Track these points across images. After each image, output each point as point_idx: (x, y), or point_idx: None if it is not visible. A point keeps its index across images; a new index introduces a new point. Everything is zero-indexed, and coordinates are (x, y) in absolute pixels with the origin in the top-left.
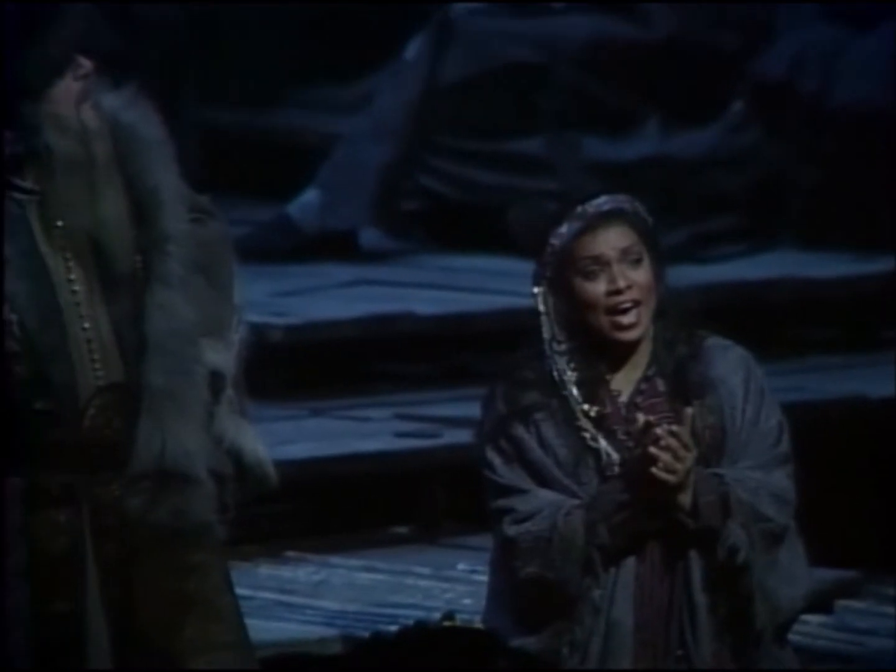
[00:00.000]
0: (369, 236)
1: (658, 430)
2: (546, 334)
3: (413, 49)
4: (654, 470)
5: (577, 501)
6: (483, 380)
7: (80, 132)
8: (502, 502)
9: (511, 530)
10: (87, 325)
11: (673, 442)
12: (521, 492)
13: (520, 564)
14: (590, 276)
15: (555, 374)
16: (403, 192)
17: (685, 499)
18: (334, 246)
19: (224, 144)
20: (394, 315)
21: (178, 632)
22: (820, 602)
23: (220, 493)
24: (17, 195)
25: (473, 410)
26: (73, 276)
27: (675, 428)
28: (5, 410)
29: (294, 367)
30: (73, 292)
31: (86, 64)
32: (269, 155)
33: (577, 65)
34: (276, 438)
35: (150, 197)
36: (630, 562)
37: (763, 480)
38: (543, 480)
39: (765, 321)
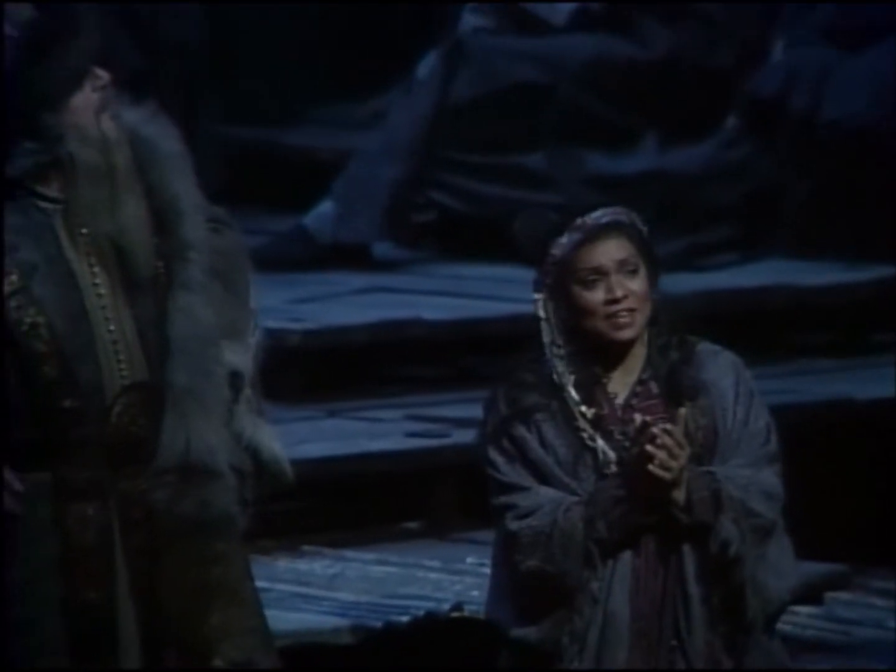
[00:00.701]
0: (381, 246)
1: (654, 430)
2: (546, 338)
3: (424, 69)
4: (650, 467)
5: (576, 498)
6: (489, 382)
7: (101, 141)
8: (505, 499)
9: (513, 525)
10: (112, 327)
11: (668, 440)
12: (522, 489)
13: (521, 558)
14: (589, 285)
15: (554, 376)
16: (414, 205)
17: (679, 495)
18: (348, 256)
19: (244, 159)
20: (405, 321)
21: (203, 618)
22: (810, 594)
23: (240, 488)
24: (43, 204)
25: (480, 411)
26: (98, 281)
27: (669, 427)
28: (6, 410)
29: (310, 370)
30: (99, 296)
31: (103, 75)
32: (286, 169)
33: (579, 83)
34: (294, 438)
35: (170, 207)
36: (626, 555)
37: (753, 478)
38: (544, 478)
39: (760, 326)
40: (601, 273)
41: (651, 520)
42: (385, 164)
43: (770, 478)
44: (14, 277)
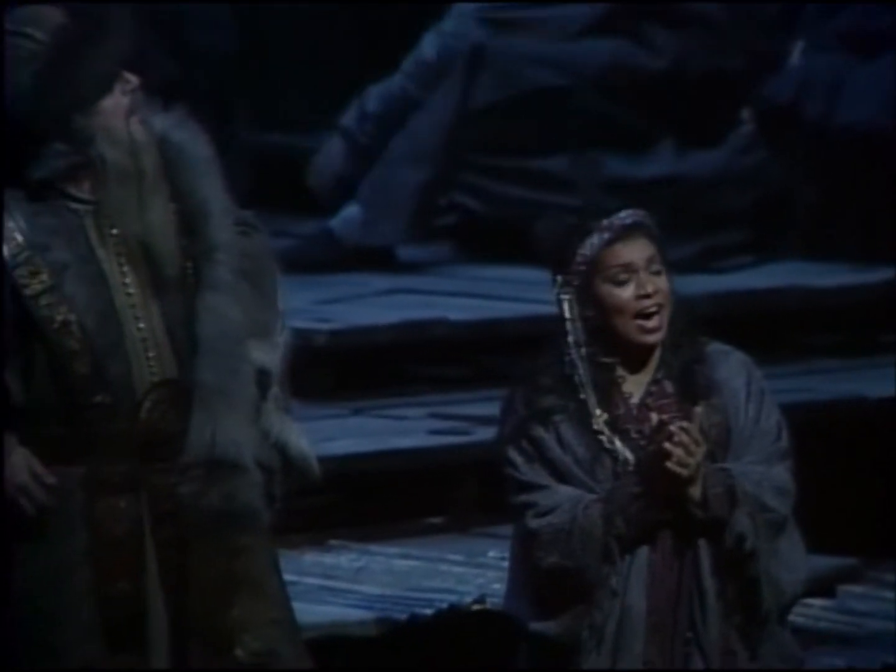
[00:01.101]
0: (406, 249)
1: (671, 428)
2: (571, 338)
3: (447, 75)
4: (668, 464)
5: (594, 496)
6: (510, 381)
7: (130, 144)
8: (524, 497)
9: (533, 523)
10: (142, 325)
11: (685, 438)
12: (541, 487)
13: (542, 555)
14: (620, 283)
15: (576, 378)
16: (438, 208)
17: (695, 491)
18: (373, 258)
19: (273, 164)
20: (428, 321)
21: (227, 609)
22: (823, 587)
23: (268, 484)
24: (74, 205)
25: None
26: (127, 280)
27: (686, 424)
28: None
29: (336, 369)
30: (129, 295)
31: (132, 79)
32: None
33: (596, 88)
34: (321, 436)
35: (198, 209)
36: (643, 550)
37: (765, 474)
38: (562, 477)
39: (772, 327)
40: (631, 270)
41: (667, 516)
42: (409, 169)
43: (782, 474)
44: (45, 276)
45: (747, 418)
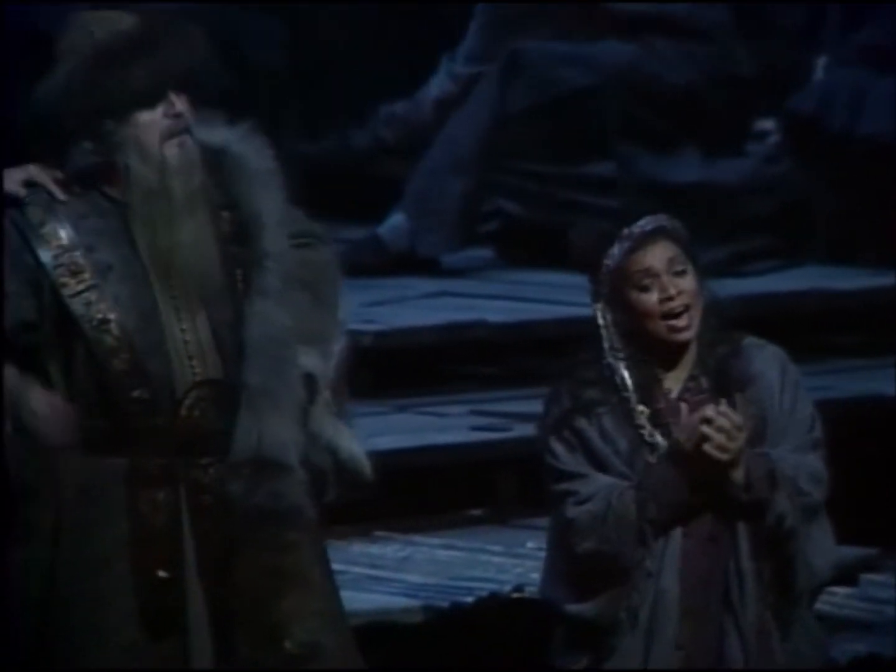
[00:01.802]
0: (449, 255)
1: (709, 412)
2: (606, 344)
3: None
4: (706, 447)
5: (628, 483)
6: (548, 380)
7: (160, 164)
8: (565, 486)
9: (571, 512)
10: (185, 326)
11: (725, 422)
12: (581, 476)
13: (578, 540)
14: (644, 288)
15: (616, 378)
16: (481, 215)
17: (739, 475)
18: (418, 263)
19: (322, 171)
20: (469, 323)
21: (275, 602)
22: (847, 576)
23: (319, 483)
24: (106, 204)
25: (539, 407)
26: (173, 283)
27: (726, 409)
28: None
29: (381, 368)
30: (173, 297)
31: (178, 105)
32: (362, 181)
33: (625, 89)
34: (366, 432)
35: (252, 220)
36: (676, 534)
37: (800, 461)
38: (601, 467)
39: (795, 328)
40: (652, 275)
41: (699, 500)
42: (450, 178)
43: (816, 462)
44: (87, 276)
45: (782, 409)
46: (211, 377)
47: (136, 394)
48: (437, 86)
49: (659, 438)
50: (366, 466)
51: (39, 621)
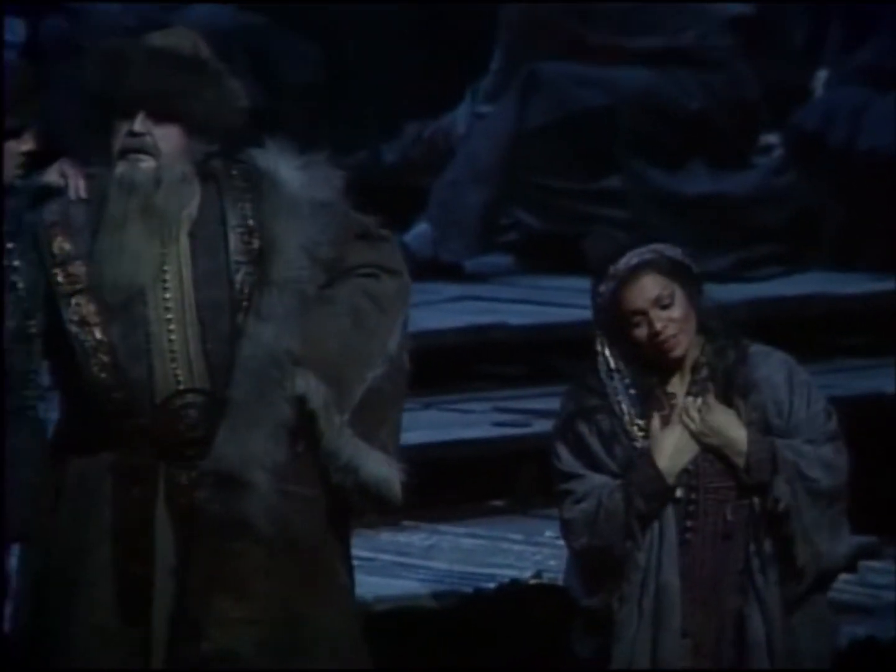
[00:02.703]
0: (472, 261)
1: (684, 403)
2: (602, 368)
3: (502, 99)
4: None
5: (617, 482)
6: (565, 379)
7: (111, 174)
8: (564, 486)
9: (567, 513)
10: (174, 337)
11: (692, 418)
12: (578, 476)
13: (574, 537)
14: (634, 325)
15: (612, 402)
16: (501, 227)
17: (741, 461)
18: (443, 270)
19: (355, 184)
20: (491, 325)
21: (204, 604)
22: (847, 563)
23: (341, 500)
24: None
25: (557, 404)
26: (168, 296)
27: (696, 407)
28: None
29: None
30: (167, 308)
31: (138, 127)
32: (391, 192)
33: (636, 108)
34: None
35: (269, 244)
36: (672, 532)
37: (809, 450)
38: (598, 468)
39: (801, 330)
40: (641, 314)
41: (677, 493)
42: (471, 189)
43: (829, 452)
44: (82, 279)
45: (792, 408)
46: (196, 386)
47: (114, 395)
48: (462, 121)
49: (647, 445)
50: (391, 488)
51: (33, 597)
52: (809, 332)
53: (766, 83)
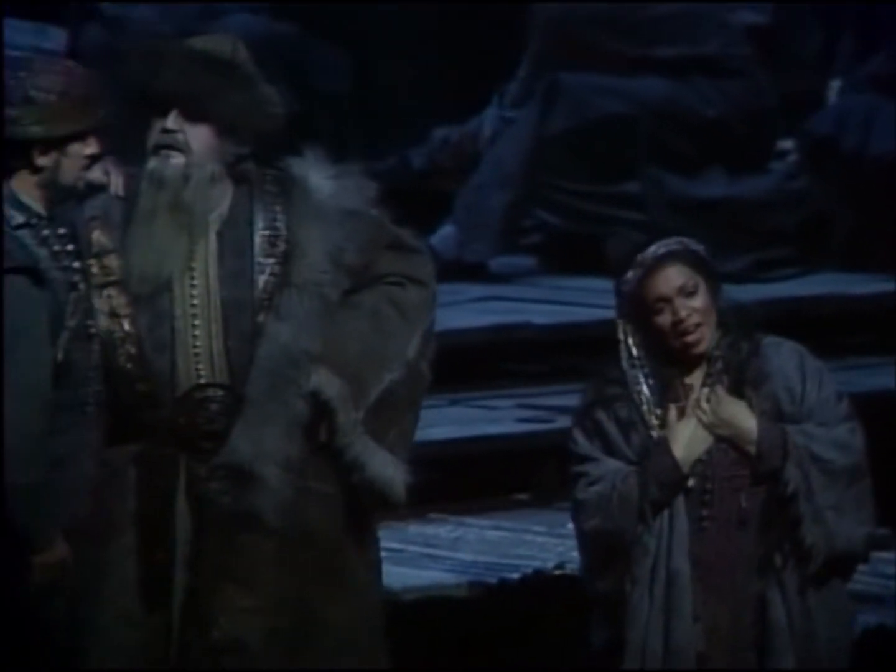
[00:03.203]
0: (496, 262)
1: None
2: (624, 356)
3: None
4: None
5: (632, 468)
6: (586, 376)
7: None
8: (579, 468)
9: (581, 493)
10: (198, 332)
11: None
12: (593, 459)
13: (584, 518)
14: (658, 312)
15: (633, 386)
16: (524, 229)
17: (752, 448)
18: (468, 270)
19: (384, 188)
20: (515, 324)
21: (213, 593)
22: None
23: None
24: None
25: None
26: (195, 293)
27: (709, 400)
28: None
29: (436, 366)
30: (193, 305)
31: (171, 124)
32: (418, 196)
33: (655, 117)
34: (422, 423)
35: (293, 248)
36: (682, 520)
37: (821, 432)
38: (613, 453)
39: (813, 329)
40: (665, 300)
41: (693, 483)
42: (495, 192)
43: (842, 433)
44: (116, 272)
45: (805, 394)
46: (216, 381)
47: (138, 386)
48: (489, 125)
49: (664, 434)
50: (393, 488)
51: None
52: (821, 331)
53: (781, 90)
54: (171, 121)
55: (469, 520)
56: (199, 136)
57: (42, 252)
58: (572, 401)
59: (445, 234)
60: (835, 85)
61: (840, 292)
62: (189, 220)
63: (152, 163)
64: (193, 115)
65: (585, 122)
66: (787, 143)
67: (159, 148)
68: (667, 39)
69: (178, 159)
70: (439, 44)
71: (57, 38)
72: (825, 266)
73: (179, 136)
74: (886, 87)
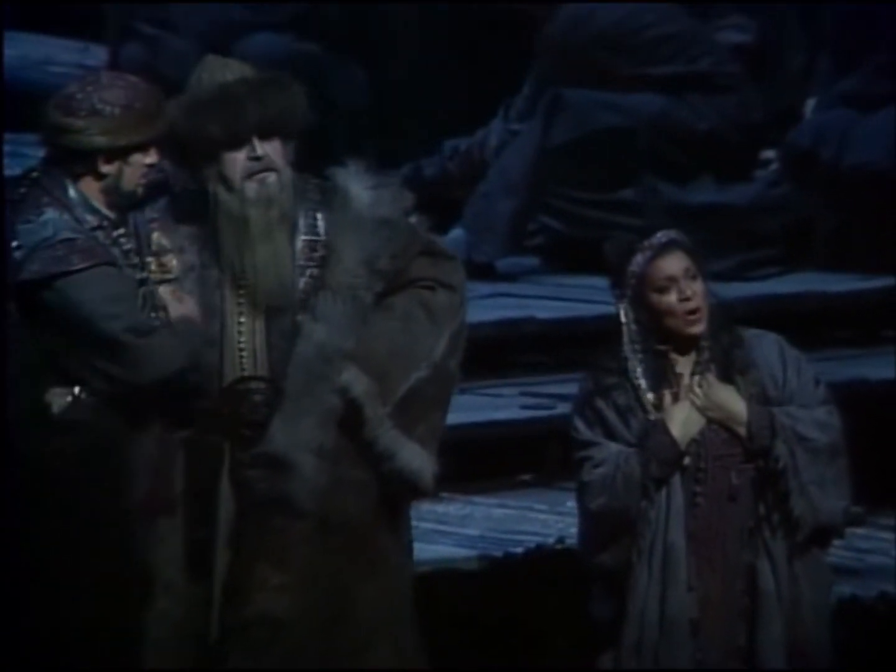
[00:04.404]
0: (503, 262)
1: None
2: (625, 338)
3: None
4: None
5: (633, 450)
6: (586, 367)
7: (240, 197)
8: (583, 453)
9: (587, 476)
10: (243, 329)
11: (696, 395)
12: (596, 444)
13: (591, 498)
14: (664, 291)
15: (630, 367)
16: (528, 232)
17: (742, 429)
18: (477, 270)
19: None
20: (520, 319)
21: (251, 573)
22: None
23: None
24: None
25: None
26: (241, 293)
27: (700, 386)
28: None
29: None
30: (239, 303)
31: (259, 149)
32: (431, 203)
33: (651, 130)
34: None
35: (331, 254)
36: (679, 496)
37: (804, 413)
38: (613, 437)
39: (794, 324)
40: (672, 280)
41: (688, 461)
42: (502, 199)
43: (822, 414)
44: (172, 270)
45: (787, 379)
46: (258, 374)
47: (191, 378)
48: (496, 136)
49: (661, 417)
50: (422, 478)
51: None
52: (803, 326)
53: (766, 105)
54: (258, 148)
55: (477, 498)
56: (276, 151)
57: (115, 251)
58: (572, 389)
59: (456, 236)
60: (811, 102)
61: (820, 290)
62: (291, 227)
63: (252, 190)
64: (267, 135)
65: (586, 135)
66: (769, 154)
67: (253, 174)
68: (662, 59)
69: (272, 177)
70: (450, 63)
71: (98, 55)
72: (806, 266)
73: (268, 159)
74: (858, 104)
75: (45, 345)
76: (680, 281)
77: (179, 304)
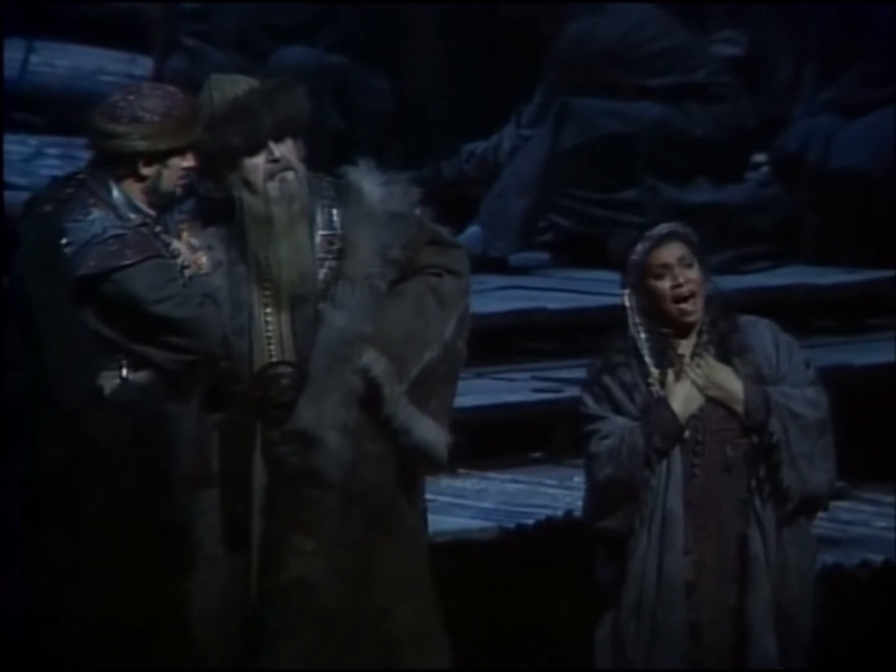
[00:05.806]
0: (516, 257)
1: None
2: (630, 320)
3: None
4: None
5: (636, 423)
6: (593, 354)
7: (264, 197)
8: (591, 426)
9: (594, 448)
10: (269, 318)
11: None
12: (602, 418)
13: (598, 468)
14: (659, 277)
15: (637, 345)
16: (539, 229)
17: (740, 407)
18: (492, 264)
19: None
20: (532, 310)
21: (283, 539)
22: None
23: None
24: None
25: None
26: (266, 285)
27: (698, 366)
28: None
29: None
30: (265, 295)
31: (276, 152)
32: (449, 202)
33: (651, 135)
34: None
35: (347, 245)
36: (678, 467)
37: (795, 392)
38: (619, 412)
39: (784, 314)
40: (667, 268)
41: (688, 434)
42: (515, 199)
43: (812, 393)
44: (205, 266)
45: (779, 361)
46: (285, 360)
47: (222, 364)
48: (509, 140)
49: (664, 393)
50: (437, 450)
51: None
52: (792, 316)
53: (757, 113)
54: (277, 151)
55: (491, 474)
56: (289, 150)
57: (158, 244)
58: (579, 374)
59: (472, 233)
60: (798, 111)
61: (808, 282)
62: (310, 221)
63: (275, 189)
64: (281, 136)
65: (592, 140)
66: (760, 157)
67: (274, 175)
68: (661, 71)
69: (291, 175)
70: (467, 73)
71: (145, 66)
72: (795, 260)
73: (285, 159)
74: (842, 111)
75: (105, 333)
76: (674, 268)
77: (192, 254)
